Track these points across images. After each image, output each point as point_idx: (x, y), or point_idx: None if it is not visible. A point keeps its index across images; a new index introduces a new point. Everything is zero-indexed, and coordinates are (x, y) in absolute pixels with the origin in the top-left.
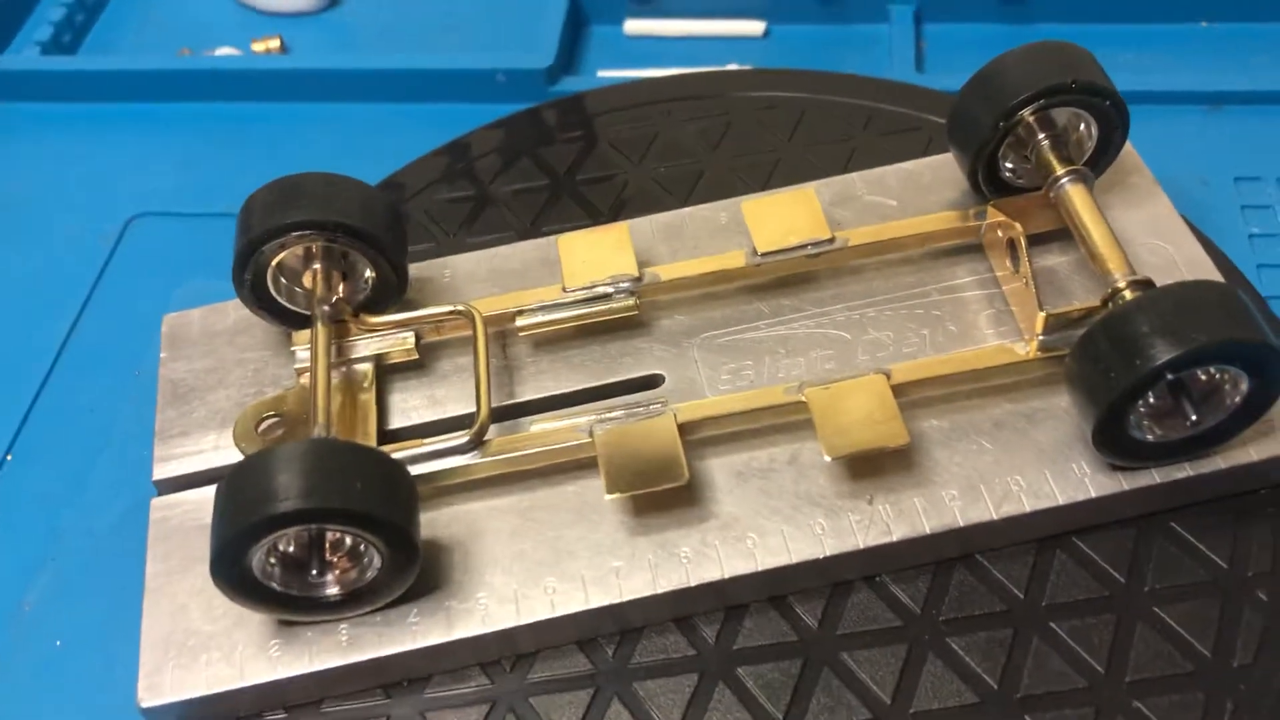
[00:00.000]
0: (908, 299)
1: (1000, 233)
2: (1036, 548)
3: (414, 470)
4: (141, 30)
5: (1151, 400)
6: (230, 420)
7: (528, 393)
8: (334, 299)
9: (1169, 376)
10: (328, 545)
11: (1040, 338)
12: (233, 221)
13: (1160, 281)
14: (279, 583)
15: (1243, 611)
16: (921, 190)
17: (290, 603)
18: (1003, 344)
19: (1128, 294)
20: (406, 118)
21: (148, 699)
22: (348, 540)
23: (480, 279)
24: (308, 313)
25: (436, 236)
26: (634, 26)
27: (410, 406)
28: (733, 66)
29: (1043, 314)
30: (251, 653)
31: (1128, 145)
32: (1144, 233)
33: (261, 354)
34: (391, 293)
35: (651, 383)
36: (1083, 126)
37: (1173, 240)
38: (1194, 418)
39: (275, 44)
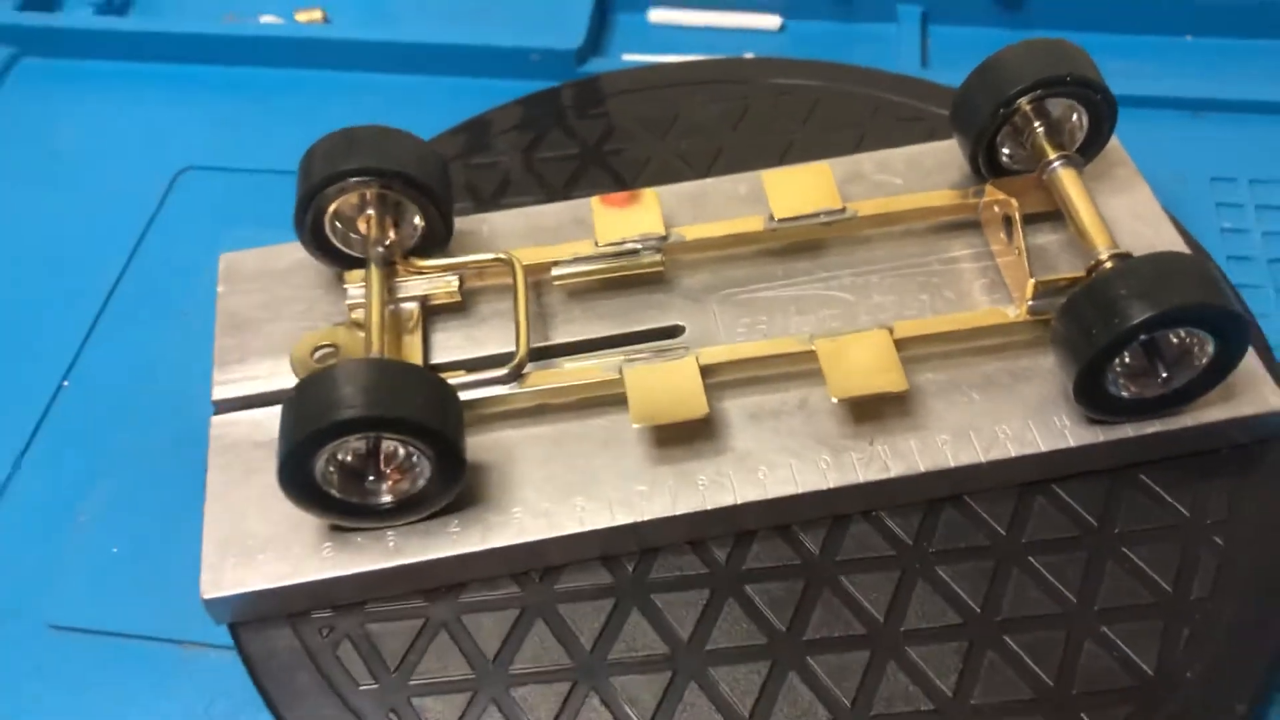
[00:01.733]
0: (909, 268)
1: (997, 209)
2: (1019, 492)
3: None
4: None
5: (1127, 359)
6: (284, 350)
7: (560, 337)
8: (387, 242)
9: (1144, 336)
10: (383, 456)
11: (1030, 303)
12: (275, 177)
13: None
14: (338, 489)
15: (1200, 553)
16: (925, 172)
17: (346, 509)
18: (995, 307)
19: (1109, 264)
20: (440, 90)
21: (210, 591)
22: (401, 452)
23: (517, 234)
24: (360, 255)
25: (470, 201)
26: (658, 15)
27: (452, 345)
28: (749, 56)
29: (1032, 281)
30: (305, 553)
31: (1114, 140)
32: (1126, 217)
33: (314, 292)
34: (437, 242)
35: (673, 332)
36: (1075, 117)
37: (1152, 225)
38: (1165, 376)
39: (318, 15)
